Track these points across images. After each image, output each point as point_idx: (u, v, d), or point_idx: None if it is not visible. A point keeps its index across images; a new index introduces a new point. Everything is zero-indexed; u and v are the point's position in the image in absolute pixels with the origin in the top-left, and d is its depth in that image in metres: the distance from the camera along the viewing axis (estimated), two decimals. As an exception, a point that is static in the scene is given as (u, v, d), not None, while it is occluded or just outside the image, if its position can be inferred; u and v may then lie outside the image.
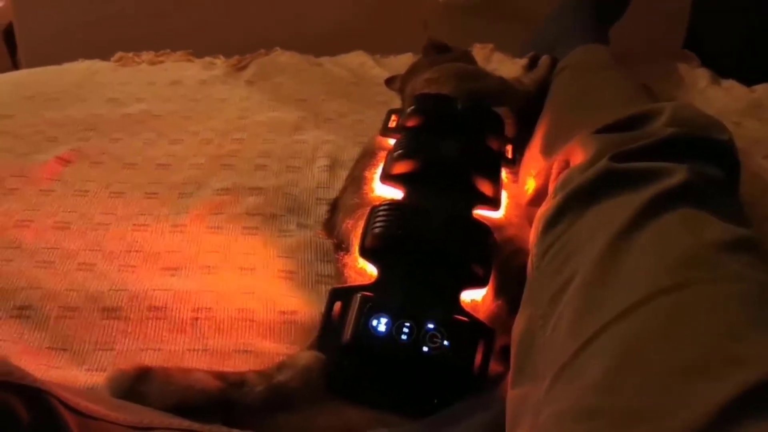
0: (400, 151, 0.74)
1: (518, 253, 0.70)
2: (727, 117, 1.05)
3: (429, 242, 0.65)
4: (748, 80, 1.19)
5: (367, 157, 0.81)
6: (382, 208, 0.68)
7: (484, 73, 1.02)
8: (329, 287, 0.73)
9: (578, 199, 0.61)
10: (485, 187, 0.72)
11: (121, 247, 0.78)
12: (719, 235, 0.52)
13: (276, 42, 1.51)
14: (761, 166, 0.90)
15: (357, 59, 1.37)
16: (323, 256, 0.78)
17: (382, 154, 0.79)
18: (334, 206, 0.80)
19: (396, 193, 0.73)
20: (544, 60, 1.17)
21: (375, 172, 0.77)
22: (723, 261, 0.50)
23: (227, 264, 0.76)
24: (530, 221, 0.78)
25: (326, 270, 0.76)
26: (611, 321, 0.48)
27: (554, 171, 0.74)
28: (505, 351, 0.62)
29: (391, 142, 0.81)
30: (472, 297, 0.66)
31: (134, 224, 0.82)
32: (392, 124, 0.85)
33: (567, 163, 0.73)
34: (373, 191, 0.75)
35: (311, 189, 0.91)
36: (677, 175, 0.57)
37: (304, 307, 0.70)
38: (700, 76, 1.21)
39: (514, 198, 0.78)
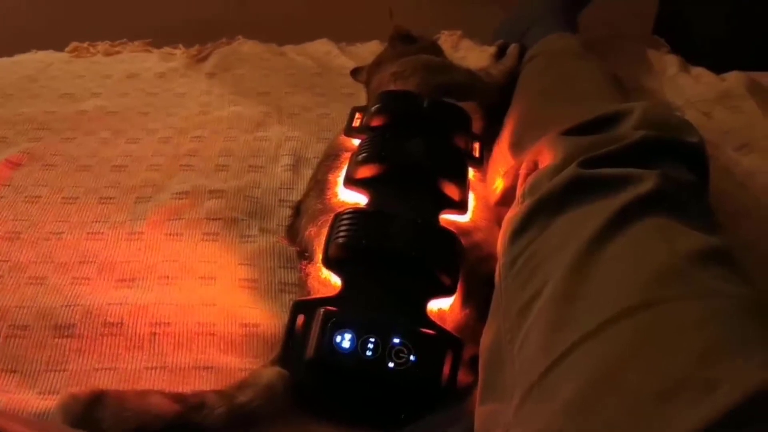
0: (363, 155, 0.71)
1: (486, 259, 0.69)
2: (697, 106, 1.05)
3: (394, 252, 0.63)
4: (718, 66, 1.18)
5: (330, 159, 0.79)
6: (345, 216, 0.66)
7: (451, 66, 1.00)
8: (292, 296, 0.72)
9: (546, 206, 0.60)
10: (451, 191, 0.71)
11: (74, 257, 0.75)
12: (692, 246, 0.51)
13: (239, 24, 1.48)
14: (732, 159, 0.89)
15: (322, 48, 1.34)
16: (286, 262, 0.76)
17: (346, 156, 0.77)
18: (297, 210, 0.78)
19: (360, 198, 0.71)
20: (513, 49, 1.15)
21: (339, 176, 0.75)
22: (696, 275, 0.49)
23: (186, 273, 0.74)
24: (499, 222, 0.77)
25: (289, 277, 0.74)
26: (581, 339, 0.47)
27: (522, 172, 0.73)
28: (474, 361, 0.60)
29: (355, 142, 0.79)
30: (440, 306, 0.64)
31: (88, 232, 0.79)
32: (356, 122, 0.82)
33: (535, 164, 0.71)
34: (336, 196, 0.73)
35: (274, 190, 0.88)
36: (647, 181, 0.56)
37: (266, 318, 0.68)
38: (669, 63, 1.20)
39: (482, 198, 0.76)
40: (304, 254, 0.71)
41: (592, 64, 0.97)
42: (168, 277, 0.73)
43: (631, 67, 1.19)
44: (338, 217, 0.66)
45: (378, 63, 1.05)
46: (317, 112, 1.08)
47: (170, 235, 0.79)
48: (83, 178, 0.90)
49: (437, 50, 1.08)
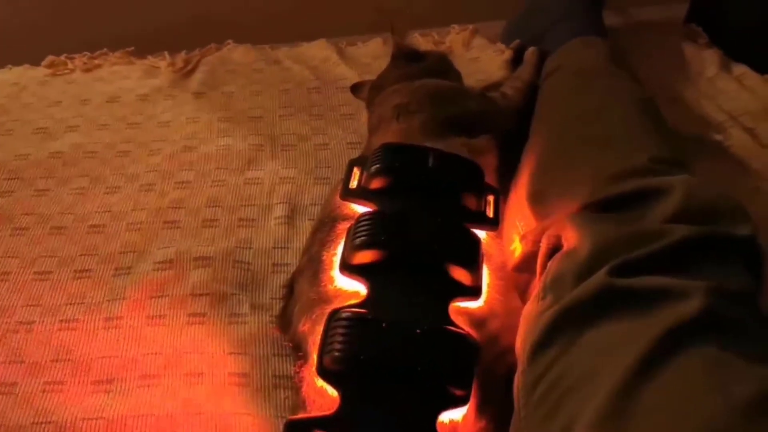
0: (361, 238, 0.64)
1: (503, 353, 0.63)
2: (741, 121, 0.96)
3: (397, 365, 0.57)
4: (760, 58, 1.08)
5: (326, 229, 0.72)
6: (341, 321, 0.59)
7: (461, 91, 0.91)
8: (287, 393, 0.67)
9: (572, 318, 0.53)
10: (462, 276, 0.64)
11: (46, 355, 0.70)
12: (746, 391, 0.44)
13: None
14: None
15: (319, 52, 1.25)
16: (280, 348, 0.71)
17: (342, 228, 0.70)
18: (290, 290, 0.72)
19: (358, 287, 0.64)
20: (530, 56, 1.06)
21: (334, 254, 0.68)
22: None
23: (170, 370, 0.68)
24: (518, 289, 0.71)
25: (284, 368, 0.69)
26: None
27: (543, 245, 0.66)
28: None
29: (354, 206, 0.72)
30: (451, 417, 0.58)
31: (62, 320, 0.74)
32: (354, 181, 0.75)
33: (558, 240, 0.64)
34: (332, 282, 0.66)
35: (267, 251, 0.82)
36: (692, 299, 0.49)
37: (257, 429, 0.63)
38: (709, 60, 1.10)
39: (497, 268, 0.69)
40: (298, 352, 0.65)
41: (621, 85, 0.88)
42: (149, 375, 0.68)
43: (665, 69, 1.09)
44: (334, 319, 0.60)
45: (380, 85, 0.96)
46: (314, 142, 1.00)
47: (152, 318, 0.73)
48: (57, 243, 0.84)
49: (445, 66, 0.99)
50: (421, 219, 0.67)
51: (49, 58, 1.29)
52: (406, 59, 0.98)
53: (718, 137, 0.91)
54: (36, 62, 1.30)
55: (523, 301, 0.70)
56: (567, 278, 0.57)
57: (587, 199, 0.65)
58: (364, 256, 0.64)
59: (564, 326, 0.53)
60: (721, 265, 0.52)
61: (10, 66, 1.30)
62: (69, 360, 0.70)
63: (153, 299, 0.75)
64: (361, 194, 0.73)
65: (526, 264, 0.70)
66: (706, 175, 0.74)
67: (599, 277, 0.53)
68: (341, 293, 0.65)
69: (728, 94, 1.02)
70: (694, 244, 0.52)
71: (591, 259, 0.56)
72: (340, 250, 0.68)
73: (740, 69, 1.08)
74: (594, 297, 0.52)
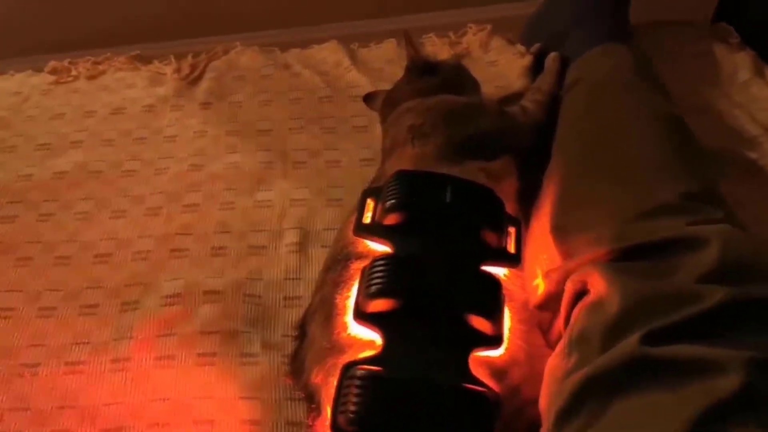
0: (376, 286, 0.62)
1: (525, 407, 0.61)
2: (776, 135, 0.91)
3: (414, 429, 0.55)
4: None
5: (338, 267, 0.69)
6: (355, 379, 0.57)
7: (477, 109, 0.88)
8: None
9: (601, 387, 0.51)
10: (482, 325, 0.61)
11: (52, 401, 0.69)
12: None
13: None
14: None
15: (331, 56, 1.21)
16: (292, 392, 0.69)
17: (356, 267, 0.67)
18: (302, 331, 0.70)
19: (373, 336, 0.62)
20: (552, 63, 1.02)
21: (347, 297, 0.66)
22: None
23: (180, 417, 0.67)
24: (540, 327, 0.69)
25: (296, 414, 0.68)
26: None
27: (568, 290, 0.64)
28: None
29: (368, 243, 0.70)
30: (472, 477, 0.56)
31: (67, 363, 0.72)
32: (368, 214, 0.72)
33: (583, 285, 0.62)
34: (346, 329, 0.64)
35: (278, 282, 0.80)
36: (730, 373, 0.46)
37: (271, 488, 0.62)
38: (741, 64, 1.05)
39: (518, 308, 0.67)
40: (311, 404, 0.63)
41: (646, 101, 0.84)
42: (158, 424, 0.67)
43: (692, 73, 1.05)
44: (347, 376, 0.58)
45: (394, 100, 0.93)
46: (326, 158, 0.98)
47: (160, 359, 0.72)
48: (61, 276, 0.83)
49: (461, 77, 0.96)
50: (439, 264, 0.64)
51: (52, 63, 1.26)
52: (421, 72, 0.95)
53: (753, 155, 0.87)
54: (34, 53, 1.28)
55: (546, 340, 0.68)
56: (594, 336, 0.54)
57: (614, 242, 0.62)
58: (379, 305, 0.62)
59: (591, 395, 0.51)
60: (761, 330, 0.50)
61: (12, 72, 1.28)
62: (75, 407, 0.68)
63: (161, 338, 0.74)
64: (375, 231, 0.70)
65: (550, 303, 0.67)
66: (739, 197, 0.72)
67: (630, 344, 0.50)
68: (355, 342, 0.63)
69: (762, 102, 0.98)
70: (732, 309, 0.50)
71: (620, 318, 0.53)
72: (353, 292, 0.65)
73: (774, 72, 1.03)
74: (624, 366, 0.50)
